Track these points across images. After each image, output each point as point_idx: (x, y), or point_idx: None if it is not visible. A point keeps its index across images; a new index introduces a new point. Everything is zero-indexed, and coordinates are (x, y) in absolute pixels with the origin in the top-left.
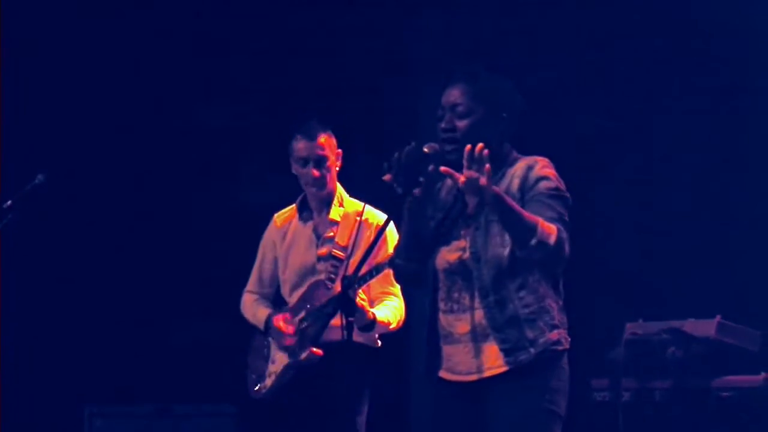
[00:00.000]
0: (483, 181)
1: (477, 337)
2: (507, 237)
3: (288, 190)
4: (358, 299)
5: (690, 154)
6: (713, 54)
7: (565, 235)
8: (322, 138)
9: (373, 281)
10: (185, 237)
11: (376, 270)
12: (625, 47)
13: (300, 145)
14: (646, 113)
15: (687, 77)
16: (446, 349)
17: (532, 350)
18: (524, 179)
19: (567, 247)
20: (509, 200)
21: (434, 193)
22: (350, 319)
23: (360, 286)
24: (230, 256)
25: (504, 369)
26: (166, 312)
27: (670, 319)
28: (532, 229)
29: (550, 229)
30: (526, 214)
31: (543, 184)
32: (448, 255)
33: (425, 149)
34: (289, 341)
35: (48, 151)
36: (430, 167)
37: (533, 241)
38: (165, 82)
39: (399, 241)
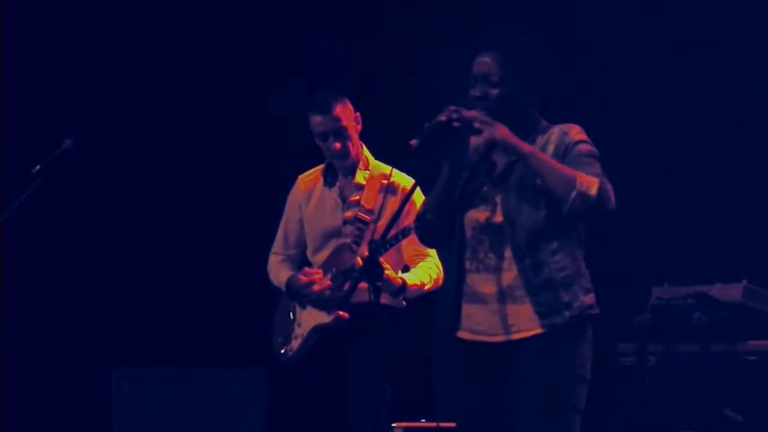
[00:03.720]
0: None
1: (505, 298)
2: (541, 200)
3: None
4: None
5: (718, 117)
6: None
7: (608, 186)
8: (337, 109)
9: (405, 243)
10: (212, 200)
11: (403, 234)
12: None
13: (316, 120)
14: (672, 76)
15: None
16: (469, 309)
17: (567, 313)
18: (560, 144)
19: (612, 200)
20: (542, 154)
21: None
22: (377, 283)
23: (387, 250)
24: (257, 219)
25: (536, 332)
26: (195, 275)
27: (697, 284)
28: (571, 180)
29: (590, 181)
30: (565, 167)
31: (580, 147)
32: (476, 215)
33: (442, 117)
34: (318, 288)
35: (70, 115)
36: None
37: (573, 194)
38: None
39: (430, 197)
